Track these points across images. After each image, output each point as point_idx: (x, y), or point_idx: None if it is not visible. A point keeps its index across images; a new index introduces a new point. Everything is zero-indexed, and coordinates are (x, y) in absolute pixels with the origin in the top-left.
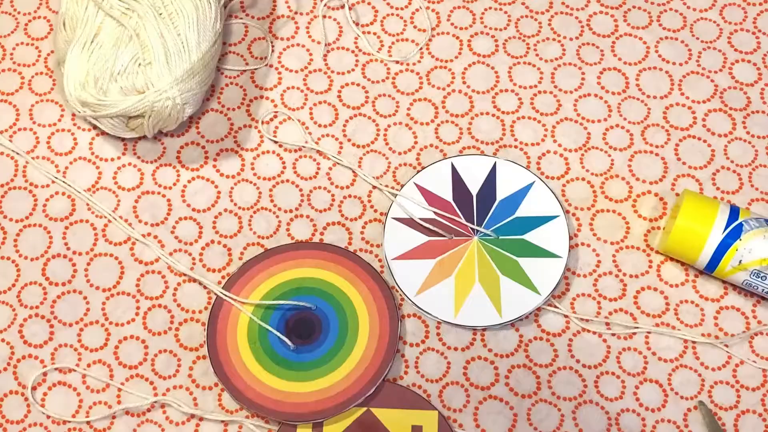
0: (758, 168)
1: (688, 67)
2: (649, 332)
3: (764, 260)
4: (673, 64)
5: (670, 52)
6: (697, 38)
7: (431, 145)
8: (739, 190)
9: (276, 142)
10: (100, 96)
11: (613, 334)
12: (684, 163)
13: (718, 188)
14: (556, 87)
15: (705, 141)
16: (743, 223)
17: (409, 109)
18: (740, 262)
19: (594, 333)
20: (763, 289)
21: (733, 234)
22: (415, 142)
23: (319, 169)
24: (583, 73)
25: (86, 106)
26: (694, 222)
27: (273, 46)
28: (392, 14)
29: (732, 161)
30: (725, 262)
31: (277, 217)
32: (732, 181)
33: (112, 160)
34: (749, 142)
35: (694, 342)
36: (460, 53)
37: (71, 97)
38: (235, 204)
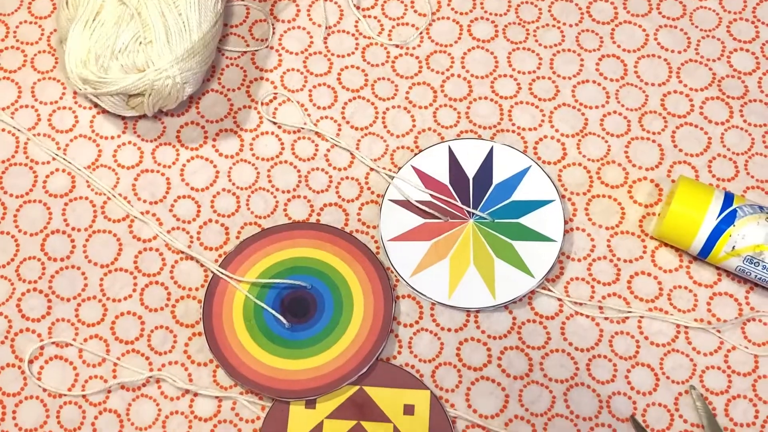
0: (754, 156)
1: (686, 55)
2: (642, 317)
3: (757, 246)
4: (672, 51)
5: (668, 39)
6: (696, 26)
7: (429, 129)
8: (735, 178)
9: (275, 123)
10: (101, 74)
11: (606, 318)
12: (680, 150)
13: (714, 176)
14: (554, 73)
15: (702, 129)
16: (737, 209)
17: (408, 92)
18: (733, 247)
19: (587, 317)
20: (756, 275)
21: (727, 220)
22: (413, 126)
23: (317, 150)
24: (582, 60)
25: (87, 83)
26: (688, 207)
27: (274, 28)
28: None
29: (728, 149)
30: (719, 248)
31: (275, 197)
32: (728, 168)
33: (113, 138)
34: (746, 131)
35: (686, 327)
36: (459, 38)
37: (72, 74)
38: (234, 184)
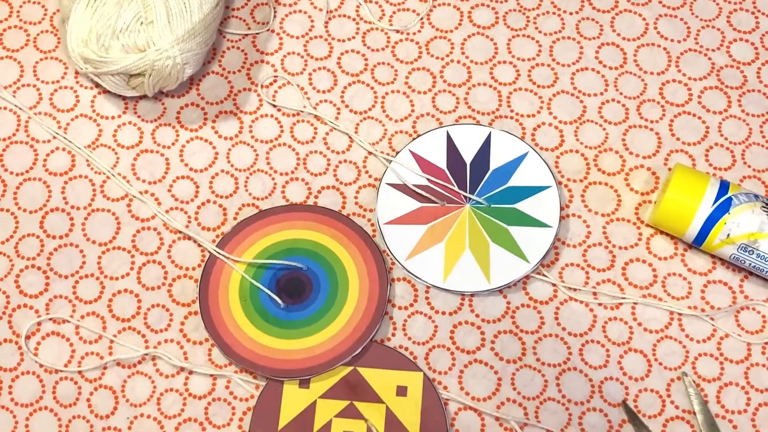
0: (752, 146)
1: (686, 45)
2: (635, 303)
3: (752, 234)
4: (672, 41)
5: (668, 28)
6: (697, 16)
7: (428, 114)
8: (732, 167)
9: (275, 106)
10: (102, 53)
11: (600, 304)
12: (678, 139)
13: (710, 164)
14: (554, 60)
15: (700, 118)
16: (732, 197)
17: (407, 77)
18: (728, 235)
19: (581, 302)
20: (750, 264)
21: (722, 208)
22: (412, 110)
23: (316, 133)
24: (581, 48)
25: (88, 62)
26: (683, 195)
27: (275, 12)
28: None
29: (726, 138)
30: (713, 236)
31: (273, 179)
32: (725, 157)
33: (113, 118)
34: (744, 120)
35: (680, 314)
36: (460, 24)
37: (74, 53)
38: (232, 165)
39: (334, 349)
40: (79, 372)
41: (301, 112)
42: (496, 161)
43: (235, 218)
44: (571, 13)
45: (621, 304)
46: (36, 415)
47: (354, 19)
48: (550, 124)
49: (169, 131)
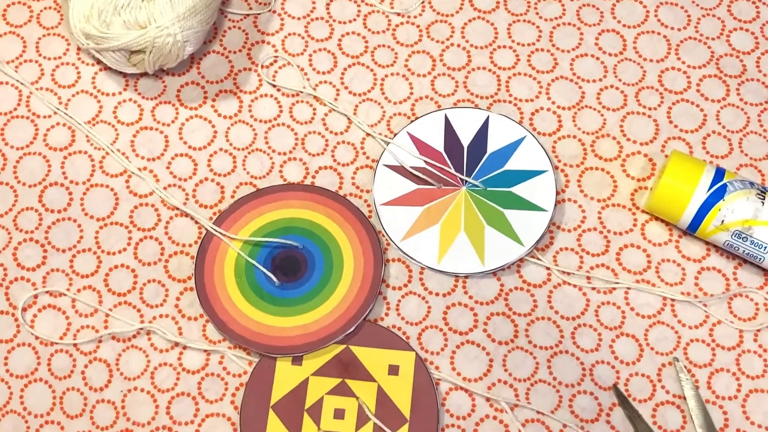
0: (749, 134)
1: (686, 33)
2: (629, 288)
3: (746, 221)
4: (672, 28)
5: (669, 16)
6: (697, 5)
7: (426, 97)
8: (729, 155)
9: (274, 86)
10: (103, 29)
11: (593, 288)
12: (675, 126)
13: (708, 152)
14: (554, 46)
15: (698, 105)
16: (728, 184)
17: (407, 60)
18: (722, 222)
19: (574, 286)
20: (744, 251)
21: (717, 194)
22: (411, 93)
23: (315, 114)
24: (581, 34)
25: (90, 38)
26: (679, 180)
27: None
28: None
29: (723, 126)
30: (707, 222)
31: (271, 158)
32: (722, 145)
33: (114, 95)
34: (742, 109)
35: (672, 300)
36: (461, 8)
37: (75, 29)
38: (231, 144)
39: (328, 327)
40: (75, 345)
41: (301, 92)
42: (493, 145)
43: (232, 196)
44: (572, 0)
45: (614, 288)
46: (31, 386)
47: (355, 2)
48: (548, 110)
49: (169, 109)
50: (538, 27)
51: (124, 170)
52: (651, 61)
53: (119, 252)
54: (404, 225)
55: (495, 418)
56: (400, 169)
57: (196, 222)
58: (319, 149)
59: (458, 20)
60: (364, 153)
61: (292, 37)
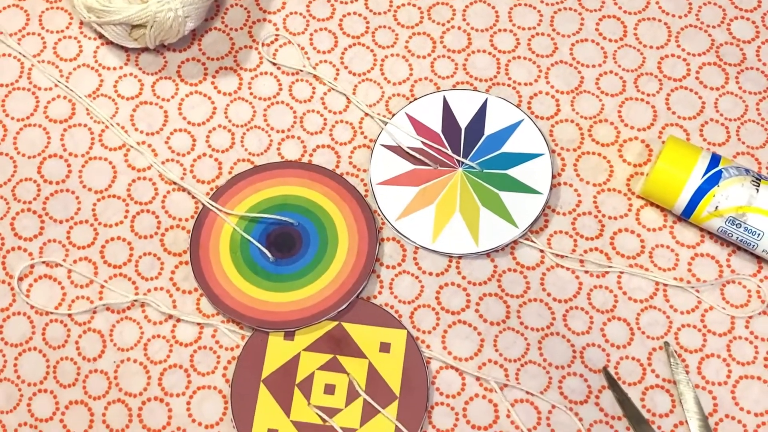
0: (747, 123)
1: (686, 20)
2: (622, 272)
3: (740, 208)
4: (673, 16)
5: (670, 4)
6: None
7: (426, 78)
8: (726, 143)
9: (275, 64)
10: (105, 2)
11: (586, 272)
12: (674, 113)
13: (705, 139)
14: (554, 30)
15: (696, 93)
16: (723, 170)
17: (407, 41)
18: (716, 208)
19: (567, 269)
20: (737, 237)
21: (712, 180)
22: (410, 74)
23: (314, 93)
24: (582, 19)
25: (91, 11)
26: (674, 165)
27: None
28: None
29: (721, 114)
30: (702, 208)
31: (269, 136)
32: (719, 133)
33: (115, 69)
34: (740, 97)
35: (665, 285)
36: None
37: (78, 2)
38: (230, 120)
39: (321, 304)
40: (69, 315)
41: (301, 71)
42: (490, 127)
43: (229, 173)
44: None
45: (607, 272)
46: (25, 355)
47: None
48: (546, 93)
49: (169, 84)
50: (539, 11)
51: (123, 144)
52: (651, 47)
53: (116, 224)
54: (400, 205)
55: (484, 397)
56: (397, 149)
57: (193, 197)
58: (317, 128)
59: (459, 3)
60: (362, 133)
61: (293, 15)
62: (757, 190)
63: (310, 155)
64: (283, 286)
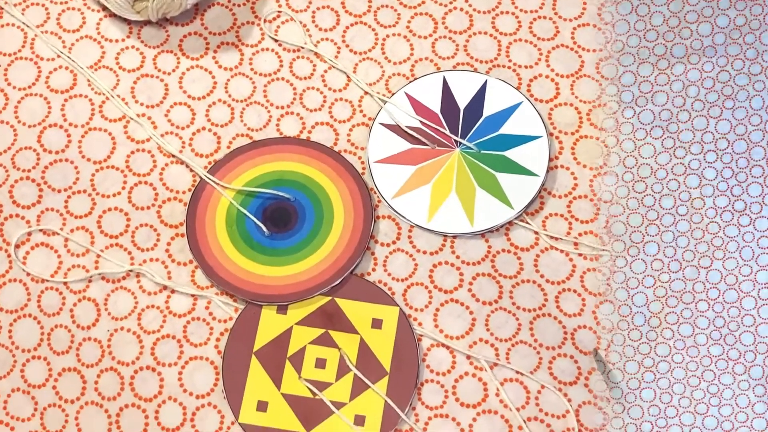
0: None
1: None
2: (616, 256)
3: None
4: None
5: None
6: None
7: (426, 59)
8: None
9: (276, 40)
10: None
11: (580, 255)
12: None
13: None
14: (556, 14)
15: None
16: None
17: (409, 22)
18: None
19: (561, 251)
20: None
21: None
22: (411, 54)
23: (314, 70)
24: (584, 3)
25: None
26: None
27: None
28: None
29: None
30: None
31: (269, 111)
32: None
33: (117, 41)
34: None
35: None
36: None
37: None
38: (230, 95)
39: (314, 278)
40: (65, 283)
41: (302, 48)
42: (489, 108)
43: (228, 147)
44: None
45: (601, 255)
46: (19, 321)
47: None
48: (546, 77)
49: (171, 58)
50: None
51: (123, 116)
52: None
53: (114, 195)
54: (396, 183)
55: (474, 375)
56: (395, 128)
57: (191, 170)
58: (316, 105)
59: None
60: (361, 111)
61: None
62: None
63: (309, 132)
64: (278, 260)
